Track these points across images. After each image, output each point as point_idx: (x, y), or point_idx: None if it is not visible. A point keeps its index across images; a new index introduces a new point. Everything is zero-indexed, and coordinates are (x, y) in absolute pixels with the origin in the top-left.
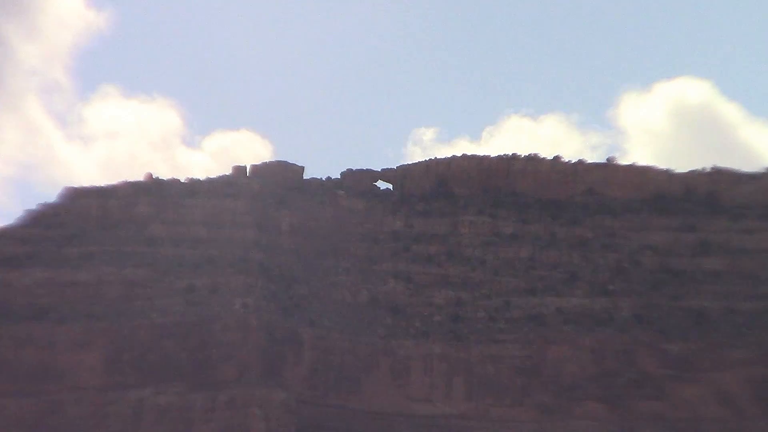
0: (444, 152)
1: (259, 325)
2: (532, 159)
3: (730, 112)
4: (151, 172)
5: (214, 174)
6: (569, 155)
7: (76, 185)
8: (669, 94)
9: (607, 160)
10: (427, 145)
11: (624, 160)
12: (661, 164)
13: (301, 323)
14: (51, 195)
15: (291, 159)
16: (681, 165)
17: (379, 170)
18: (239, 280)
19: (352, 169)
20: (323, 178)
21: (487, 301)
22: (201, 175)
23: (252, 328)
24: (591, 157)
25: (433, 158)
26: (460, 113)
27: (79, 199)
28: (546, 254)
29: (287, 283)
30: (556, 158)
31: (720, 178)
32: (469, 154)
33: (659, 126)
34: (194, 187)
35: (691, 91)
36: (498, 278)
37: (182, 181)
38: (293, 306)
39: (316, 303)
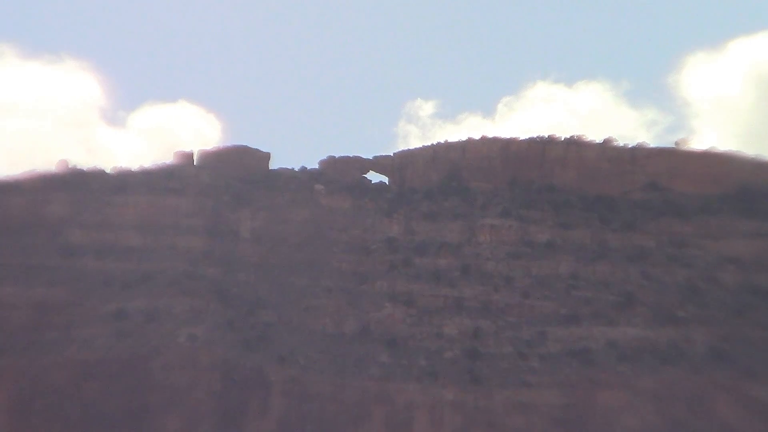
0: (448, 132)
1: (211, 362)
2: (575, 143)
3: None
4: (66, 159)
5: (149, 162)
6: (620, 137)
7: None
8: (748, 54)
9: (675, 144)
10: (425, 122)
11: (696, 144)
12: (745, 149)
13: (268, 360)
14: None
15: (252, 143)
16: None
17: (371, 158)
18: (185, 304)
19: (334, 157)
20: (296, 168)
21: (515, 333)
22: (132, 164)
23: (203, 366)
24: (649, 139)
25: (441, 142)
26: (468, 80)
27: None
28: (593, 269)
29: (249, 307)
30: (607, 141)
31: None
32: (489, 136)
33: (737, 97)
34: (124, 179)
35: None
36: (529, 301)
37: (108, 171)
38: (257, 338)
39: (287, 334)
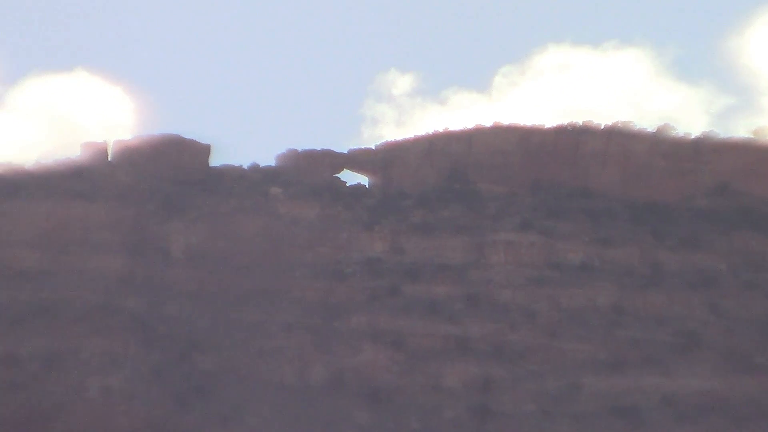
0: (430, 113)
1: (131, 423)
2: (618, 132)
3: None
4: None
5: (47, 155)
6: (667, 121)
7: None
8: None
9: (752, 133)
10: (400, 102)
11: None
12: None
13: (208, 420)
14: None
15: (186, 131)
16: None
17: (345, 152)
18: (97, 346)
19: (296, 150)
20: (245, 166)
21: (537, 384)
22: (23, 159)
23: (120, 428)
24: (706, 124)
25: (440, 130)
26: (455, 45)
27: None
28: (643, 300)
29: (182, 350)
30: (661, 130)
31: None
32: (503, 123)
33: None
34: (14, 181)
35: None
36: (557, 343)
37: None
38: (193, 390)
39: (233, 385)
